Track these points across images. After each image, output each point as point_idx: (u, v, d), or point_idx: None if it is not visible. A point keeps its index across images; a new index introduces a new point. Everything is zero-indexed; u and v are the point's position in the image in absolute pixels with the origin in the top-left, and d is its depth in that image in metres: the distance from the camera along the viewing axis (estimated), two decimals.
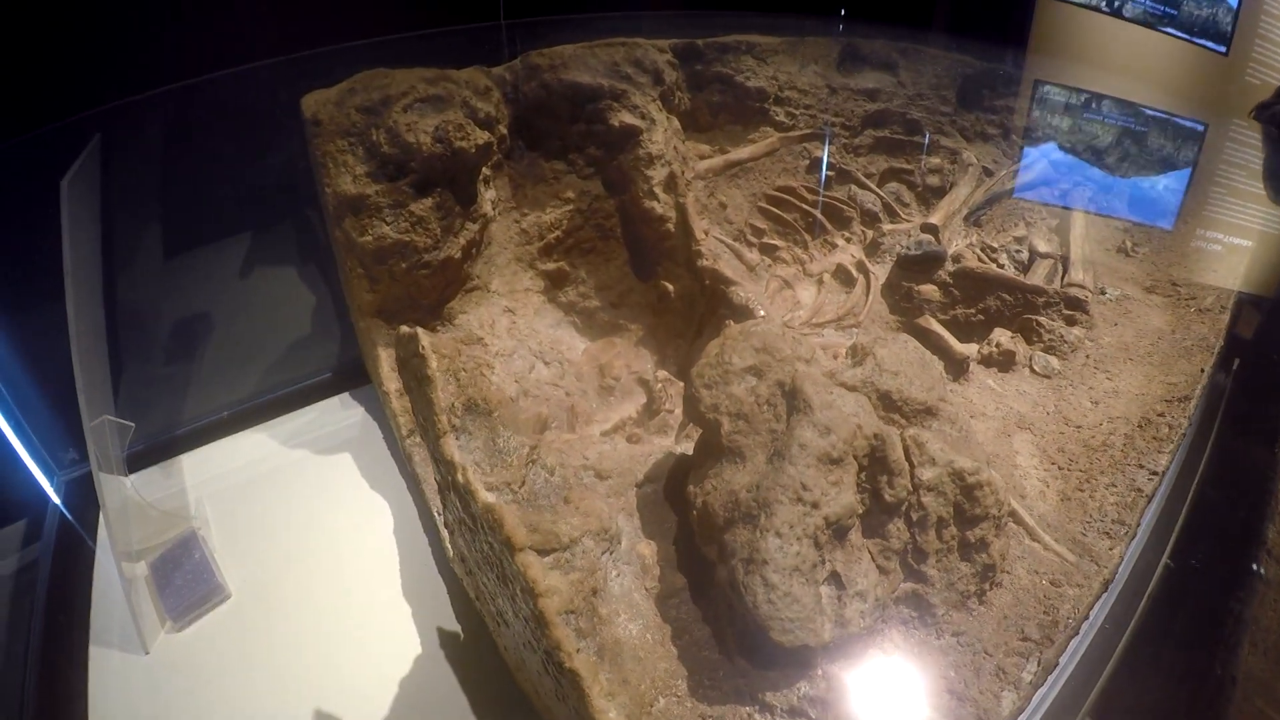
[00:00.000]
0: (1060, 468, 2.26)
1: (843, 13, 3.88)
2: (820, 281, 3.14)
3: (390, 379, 2.80)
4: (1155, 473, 2.21)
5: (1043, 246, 3.09)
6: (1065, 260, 3.03)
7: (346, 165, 2.52)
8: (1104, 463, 2.25)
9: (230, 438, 3.27)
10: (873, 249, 3.20)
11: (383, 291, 2.73)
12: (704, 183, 3.20)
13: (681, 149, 3.16)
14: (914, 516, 1.65)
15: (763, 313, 2.80)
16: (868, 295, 3.02)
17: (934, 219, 3.08)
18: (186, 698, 2.20)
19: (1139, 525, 2.11)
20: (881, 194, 3.42)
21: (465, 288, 2.96)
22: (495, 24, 3.47)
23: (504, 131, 2.93)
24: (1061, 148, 3.94)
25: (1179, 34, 3.94)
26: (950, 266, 2.93)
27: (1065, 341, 2.67)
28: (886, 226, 3.24)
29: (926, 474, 1.64)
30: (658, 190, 3.01)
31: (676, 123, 3.21)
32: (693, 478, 1.74)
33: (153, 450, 3.11)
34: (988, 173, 3.64)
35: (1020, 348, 2.63)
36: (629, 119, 2.98)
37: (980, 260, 3.00)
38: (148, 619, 2.38)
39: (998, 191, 3.32)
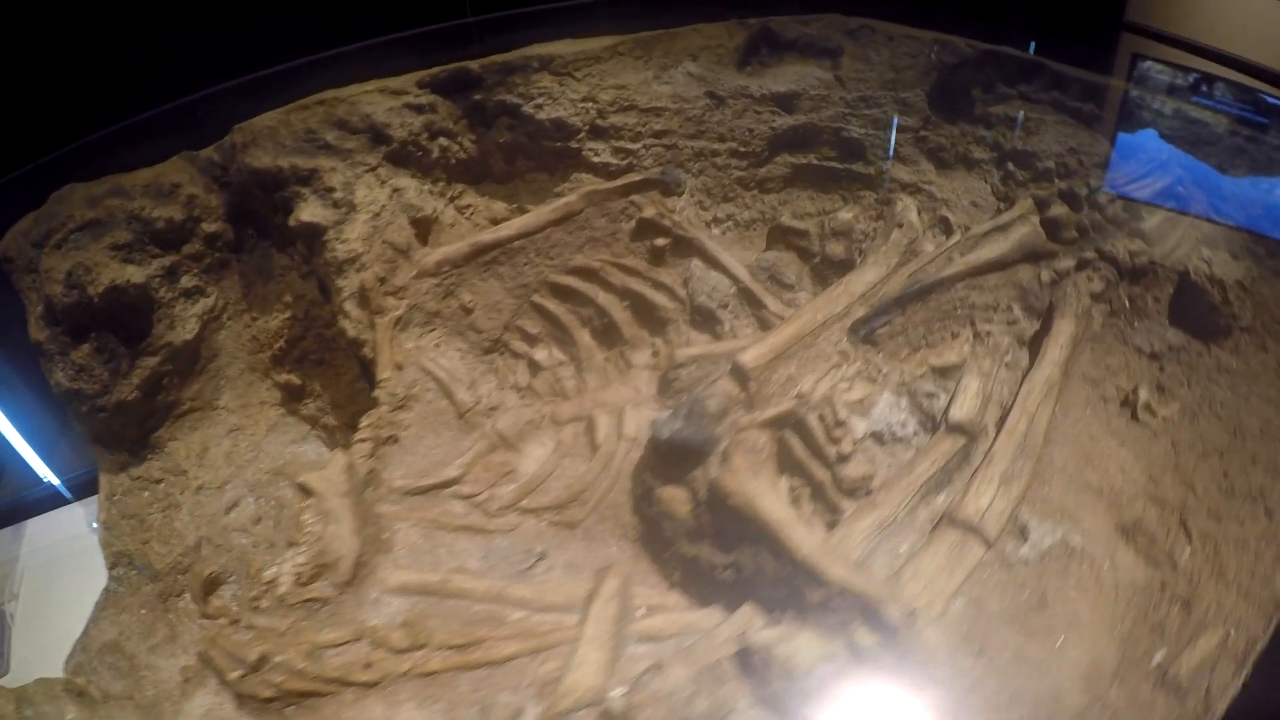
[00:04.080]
0: None
1: None
2: (564, 434, 2.20)
3: (104, 508, 2.43)
4: None
5: (963, 408, 1.93)
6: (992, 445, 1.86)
7: (31, 304, 2.29)
8: None
9: (66, 508, 3.06)
10: (665, 386, 2.18)
11: (84, 426, 2.38)
12: (436, 281, 2.33)
13: (399, 240, 2.31)
14: None
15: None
16: (611, 475, 2.05)
17: (747, 356, 1.99)
18: None
19: None
20: (738, 275, 2.35)
21: (174, 413, 2.46)
22: (463, 22, 2.79)
23: (212, 229, 2.39)
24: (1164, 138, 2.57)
25: None
26: (716, 470, 1.86)
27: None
28: (685, 352, 2.17)
29: None
30: (349, 306, 2.25)
31: (414, 193, 2.37)
32: None
33: None
34: (945, 230, 2.39)
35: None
36: (310, 213, 2.23)
37: (778, 447, 1.89)
38: None
39: (939, 276, 2.13)
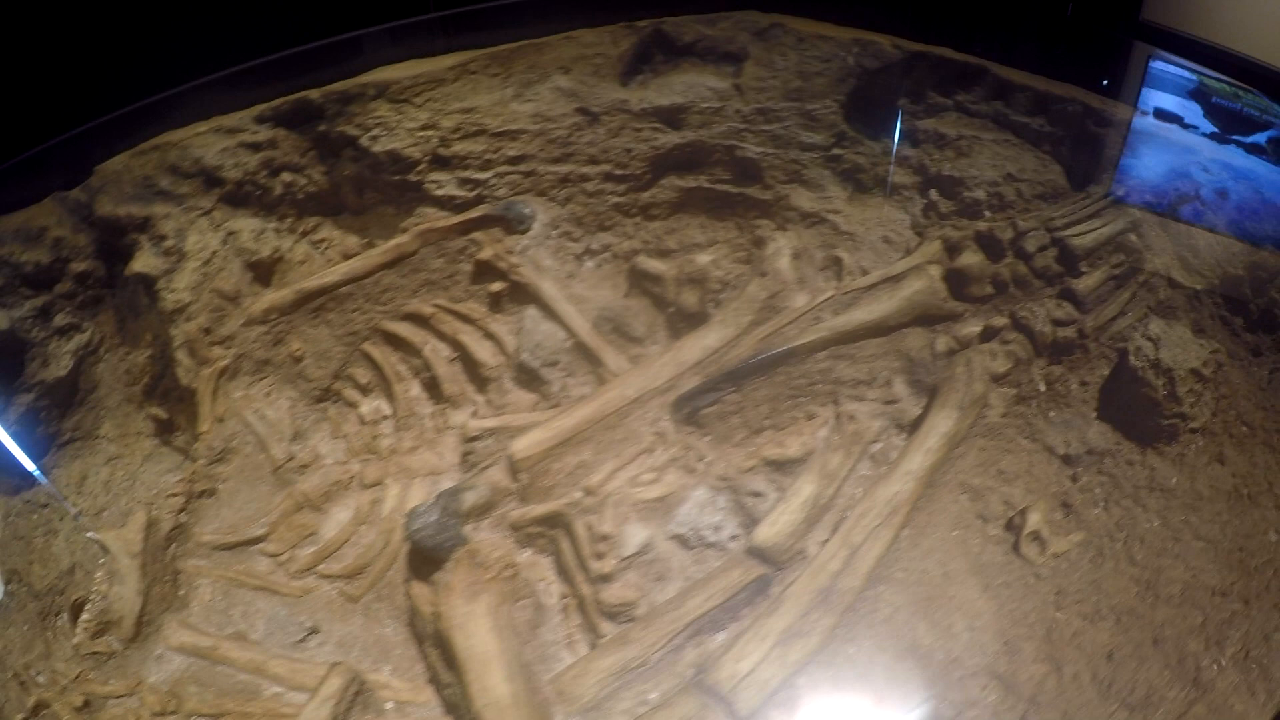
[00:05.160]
0: None
1: None
2: (376, 496, 1.96)
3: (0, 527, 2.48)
4: None
5: (775, 525, 1.56)
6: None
7: None
8: None
9: None
10: (464, 458, 1.88)
11: None
12: (264, 329, 2.13)
13: (228, 287, 2.11)
14: None
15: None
16: (390, 553, 1.80)
17: (520, 443, 1.65)
18: None
19: None
20: (576, 327, 2.00)
21: (58, 442, 2.43)
22: (427, 17, 2.62)
23: (82, 267, 2.32)
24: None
25: None
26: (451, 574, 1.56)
27: None
28: (477, 423, 1.85)
29: None
30: (180, 355, 2.09)
31: (250, 235, 2.16)
32: None
33: None
34: (838, 274, 1.95)
35: None
36: (143, 263, 2.10)
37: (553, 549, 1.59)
38: None
39: (791, 345, 1.73)
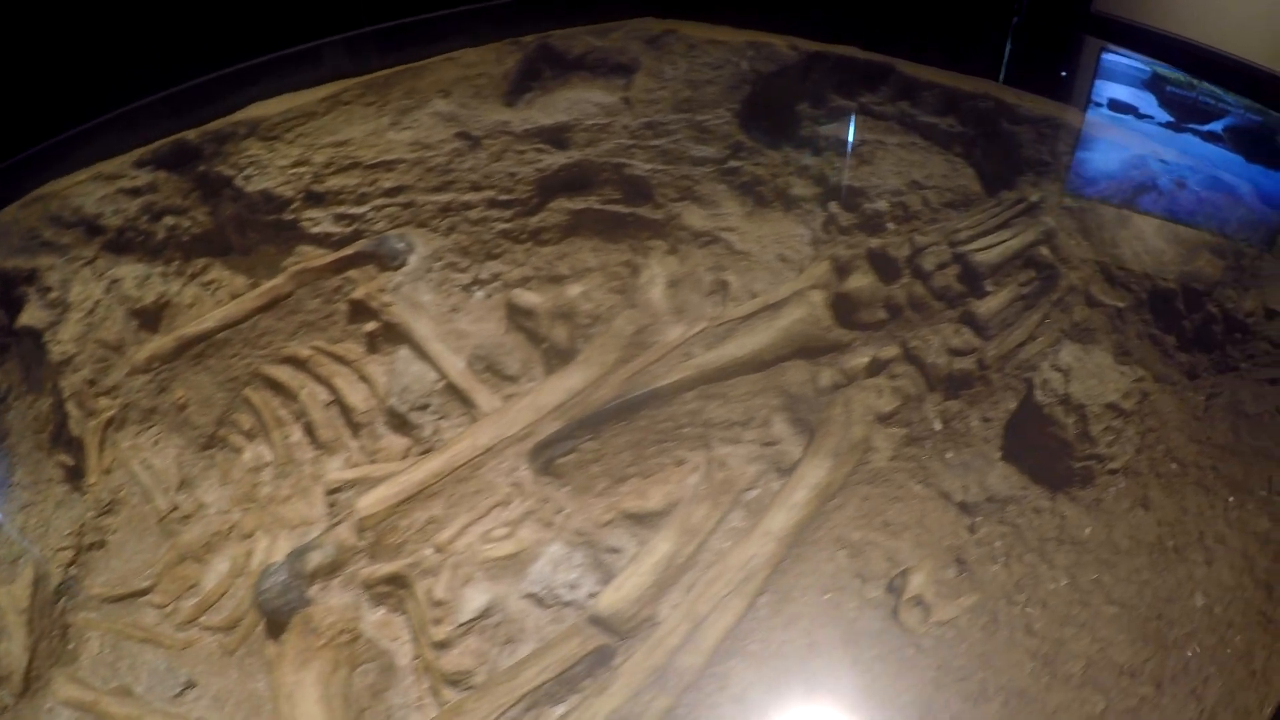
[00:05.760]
0: None
1: None
2: (249, 548, 1.85)
3: None
4: None
5: (620, 590, 1.40)
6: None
7: None
8: None
9: None
10: (328, 509, 1.76)
11: None
12: (148, 377, 2.05)
13: (112, 336, 2.05)
14: None
15: None
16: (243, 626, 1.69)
17: (365, 500, 1.52)
18: None
19: None
20: (447, 367, 1.86)
21: None
22: (363, 32, 2.57)
23: None
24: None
25: None
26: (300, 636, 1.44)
27: None
28: (336, 475, 1.74)
29: None
30: (70, 407, 2.04)
31: (134, 283, 2.10)
32: None
33: None
34: (722, 298, 1.77)
35: None
36: (30, 316, 2.06)
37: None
38: None
39: (652, 387, 1.56)
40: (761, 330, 1.60)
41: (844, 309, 1.62)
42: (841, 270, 1.65)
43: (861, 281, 1.61)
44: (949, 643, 1.34)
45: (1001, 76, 2.07)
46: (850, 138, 1.85)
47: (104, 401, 2.13)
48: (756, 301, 1.65)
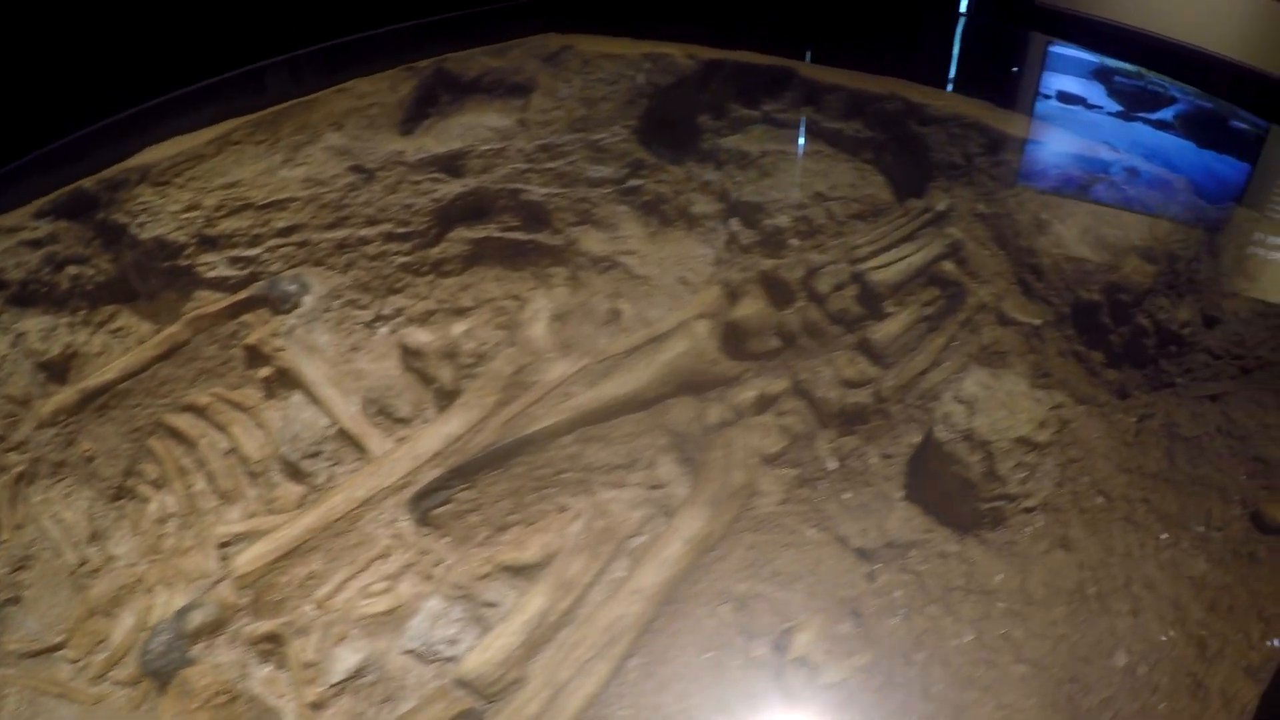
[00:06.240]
0: None
1: None
2: (150, 602, 1.77)
3: None
4: None
5: (486, 652, 1.28)
6: None
7: None
8: None
9: None
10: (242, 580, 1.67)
11: None
12: (55, 430, 1.99)
13: (18, 391, 2.01)
14: None
15: None
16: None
17: (243, 558, 1.44)
18: None
19: None
20: (338, 412, 1.76)
21: None
22: (255, 67, 2.51)
23: None
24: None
25: None
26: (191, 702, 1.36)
27: None
28: (225, 529, 1.66)
29: None
30: None
31: (38, 335, 2.06)
32: None
33: None
34: (614, 329, 1.65)
35: None
36: None
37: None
38: None
39: (526, 432, 1.44)
40: (643, 366, 1.48)
41: (734, 338, 1.48)
42: (733, 295, 1.52)
43: (751, 308, 1.48)
44: (835, 709, 1.19)
45: (952, 74, 1.95)
46: (752, 149, 1.71)
47: (13, 457, 2.09)
48: (640, 335, 1.53)
